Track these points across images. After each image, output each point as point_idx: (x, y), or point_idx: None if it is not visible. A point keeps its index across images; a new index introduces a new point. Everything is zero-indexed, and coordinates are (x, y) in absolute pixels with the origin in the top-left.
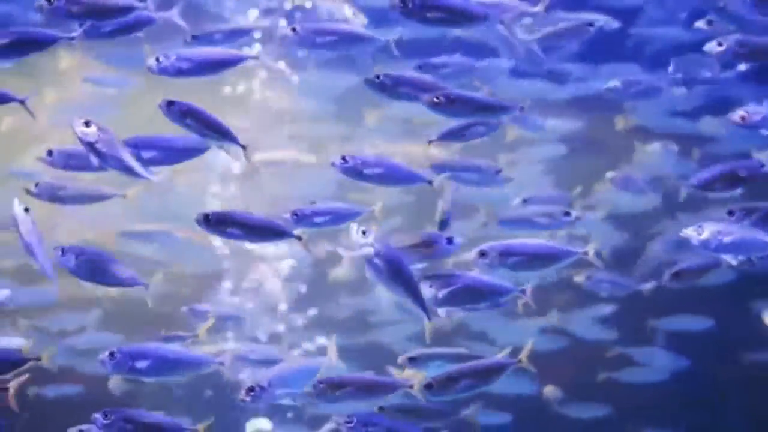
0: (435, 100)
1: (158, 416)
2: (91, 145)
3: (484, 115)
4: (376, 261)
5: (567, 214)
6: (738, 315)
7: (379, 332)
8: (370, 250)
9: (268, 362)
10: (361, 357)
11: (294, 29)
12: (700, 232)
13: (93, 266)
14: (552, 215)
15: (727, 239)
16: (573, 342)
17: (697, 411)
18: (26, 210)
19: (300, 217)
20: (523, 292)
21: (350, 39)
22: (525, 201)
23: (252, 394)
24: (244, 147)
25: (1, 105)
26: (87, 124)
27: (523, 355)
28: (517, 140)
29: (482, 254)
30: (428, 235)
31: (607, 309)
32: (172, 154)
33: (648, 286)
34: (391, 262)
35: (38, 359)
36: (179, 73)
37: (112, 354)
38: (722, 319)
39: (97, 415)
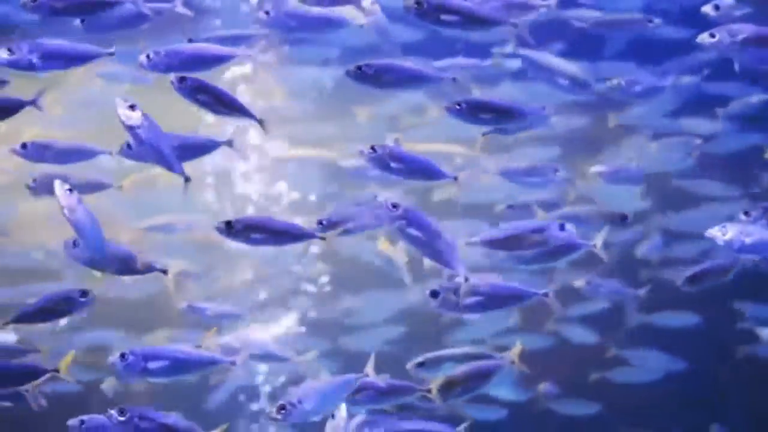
0: (456, 106)
1: (173, 417)
2: (132, 130)
3: (506, 121)
4: (410, 230)
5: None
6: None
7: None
8: (403, 221)
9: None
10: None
11: (267, 13)
12: (724, 232)
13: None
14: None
15: (749, 240)
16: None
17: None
18: (132, 107)
19: (326, 226)
20: (546, 295)
21: (323, 22)
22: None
23: (283, 412)
24: (260, 121)
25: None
26: (132, 107)
27: (515, 355)
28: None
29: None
30: (540, 223)
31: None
32: (185, 151)
33: (641, 292)
34: (424, 228)
35: (57, 371)
36: (170, 69)
37: (123, 356)
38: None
39: (113, 412)
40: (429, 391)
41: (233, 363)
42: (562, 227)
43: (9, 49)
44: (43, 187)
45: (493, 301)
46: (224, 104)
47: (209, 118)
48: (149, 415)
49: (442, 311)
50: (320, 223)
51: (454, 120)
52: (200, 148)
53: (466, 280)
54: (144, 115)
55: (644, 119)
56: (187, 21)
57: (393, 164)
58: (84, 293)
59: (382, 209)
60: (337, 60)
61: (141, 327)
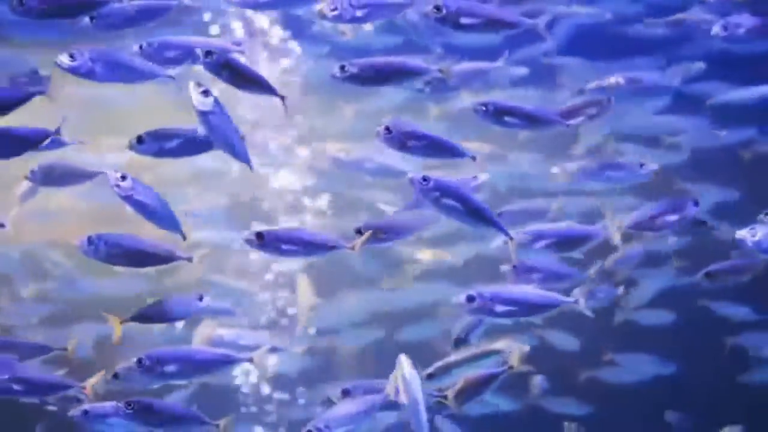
0: (483, 108)
1: (181, 407)
2: (204, 115)
3: (530, 126)
4: (445, 200)
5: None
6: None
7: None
8: (436, 193)
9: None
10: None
11: None
12: (753, 233)
13: (125, 251)
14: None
15: None
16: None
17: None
18: (205, 92)
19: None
20: (576, 302)
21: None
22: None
23: None
24: (282, 98)
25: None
26: (205, 93)
27: (515, 361)
28: None
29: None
30: (673, 201)
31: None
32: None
33: (620, 291)
34: (459, 196)
35: (83, 388)
36: (161, 61)
37: (140, 361)
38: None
39: (121, 405)
40: (445, 397)
41: (250, 360)
42: (696, 203)
43: (71, 55)
44: (42, 178)
45: (525, 308)
46: (249, 80)
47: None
48: (157, 406)
49: (477, 316)
50: (358, 231)
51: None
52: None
53: (511, 239)
54: (216, 101)
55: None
56: (177, 14)
57: (410, 142)
58: (201, 297)
59: (414, 186)
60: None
61: None
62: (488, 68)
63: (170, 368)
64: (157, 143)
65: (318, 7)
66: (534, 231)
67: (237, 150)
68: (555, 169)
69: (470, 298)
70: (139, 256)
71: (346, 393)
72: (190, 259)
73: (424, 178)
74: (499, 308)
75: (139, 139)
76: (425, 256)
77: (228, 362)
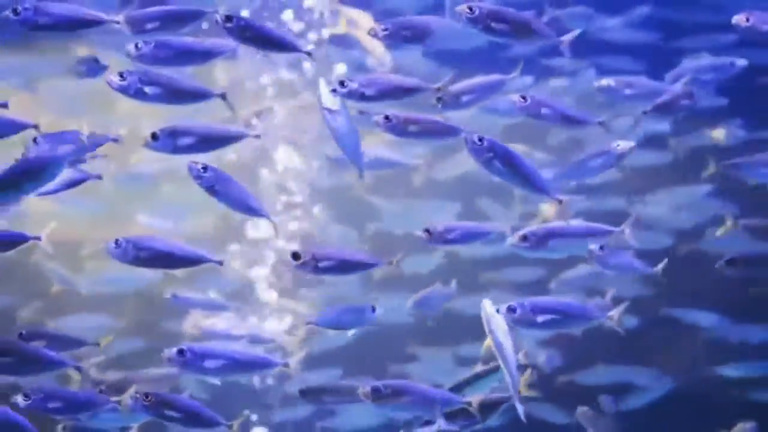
0: (522, 100)
1: (196, 404)
2: (332, 114)
3: (565, 125)
4: (496, 163)
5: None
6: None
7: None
8: (490, 154)
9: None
10: None
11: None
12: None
13: (154, 253)
14: None
15: None
16: None
17: None
18: (335, 90)
19: (433, 235)
20: (611, 317)
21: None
22: None
23: None
24: (309, 54)
25: None
26: (334, 91)
27: (522, 386)
28: None
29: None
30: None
31: None
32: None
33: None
34: (511, 159)
35: (119, 402)
36: (158, 61)
37: (181, 352)
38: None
39: (138, 395)
40: (469, 403)
41: (286, 365)
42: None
43: (120, 75)
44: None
45: (562, 320)
46: (272, 40)
47: None
48: (173, 401)
49: (517, 327)
50: (427, 231)
51: None
52: (229, 138)
53: (560, 202)
54: (343, 102)
55: None
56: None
57: (410, 127)
58: (374, 308)
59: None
60: None
61: None
62: (504, 81)
63: (210, 364)
64: (171, 140)
65: (373, 26)
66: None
67: (354, 153)
68: None
69: (511, 309)
70: (168, 259)
71: None
72: (220, 263)
73: (480, 138)
74: (540, 319)
75: (154, 136)
76: None
77: (267, 365)
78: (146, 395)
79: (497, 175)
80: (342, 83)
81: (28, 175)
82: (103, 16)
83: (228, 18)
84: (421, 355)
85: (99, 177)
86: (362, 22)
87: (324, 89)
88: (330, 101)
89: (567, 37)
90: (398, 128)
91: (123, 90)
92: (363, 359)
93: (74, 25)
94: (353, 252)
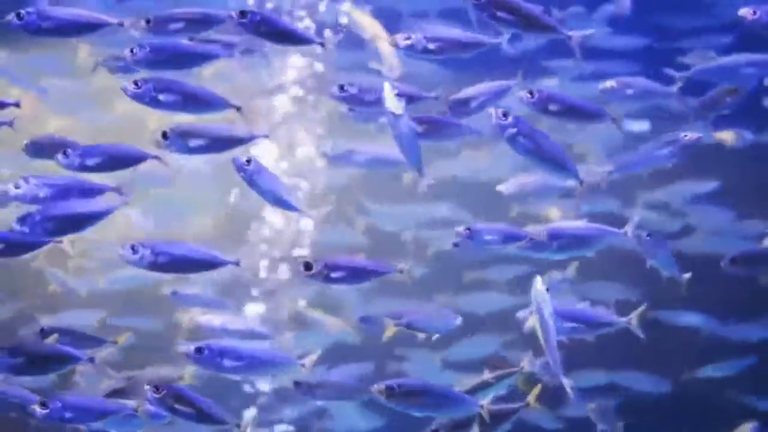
0: (529, 95)
1: (207, 400)
2: (396, 119)
3: (576, 120)
4: (521, 139)
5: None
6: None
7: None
8: (514, 129)
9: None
10: None
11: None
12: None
13: (171, 258)
14: None
15: None
16: None
17: None
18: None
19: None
20: (629, 322)
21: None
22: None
23: None
24: (322, 44)
25: None
26: (399, 96)
27: (531, 399)
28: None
29: None
30: None
31: None
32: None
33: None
34: (535, 136)
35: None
36: (153, 65)
37: (199, 349)
38: None
39: (148, 389)
40: (482, 406)
41: (303, 365)
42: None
43: (135, 83)
44: (37, 150)
45: (584, 328)
46: (285, 34)
47: None
48: (184, 394)
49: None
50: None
51: None
52: (236, 141)
53: (582, 183)
54: (405, 106)
55: None
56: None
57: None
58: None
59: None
60: None
61: None
62: (509, 87)
63: (229, 362)
64: (181, 140)
65: (393, 37)
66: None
67: (414, 156)
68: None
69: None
70: (185, 264)
71: None
72: (237, 264)
73: (504, 114)
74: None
75: (164, 135)
76: None
77: (286, 364)
78: (157, 388)
79: (522, 153)
80: (341, 87)
81: None
82: (107, 18)
83: (242, 13)
84: (409, 356)
85: None
86: (366, 21)
87: (389, 93)
88: (394, 105)
89: (577, 34)
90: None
91: (137, 97)
92: (350, 360)
93: (78, 29)
94: (364, 260)
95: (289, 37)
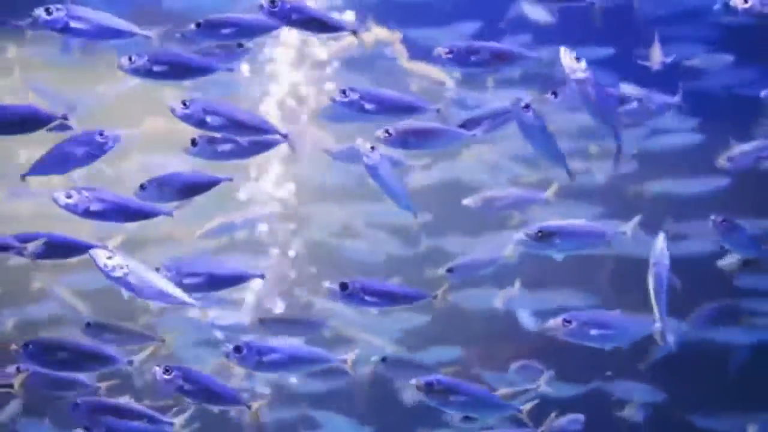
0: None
1: (217, 381)
2: (580, 84)
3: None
4: (527, 120)
5: None
6: None
7: None
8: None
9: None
10: None
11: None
12: None
13: (199, 276)
14: None
15: None
16: None
17: None
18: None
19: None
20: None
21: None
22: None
23: None
24: (355, 32)
25: None
26: (578, 59)
27: (525, 411)
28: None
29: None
30: None
31: None
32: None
33: None
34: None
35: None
36: (150, 74)
37: (238, 348)
38: None
39: (158, 369)
40: (521, 411)
41: (344, 361)
42: None
43: (183, 103)
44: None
45: (613, 335)
46: (318, 22)
47: None
48: (194, 376)
49: (570, 339)
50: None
51: None
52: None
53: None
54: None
55: None
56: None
57: (367, 105)
58: None
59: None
60: None
61: None
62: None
63: (268, 359)
64: (210, 146)
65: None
66: None
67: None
68: None
69: (566, 321)
70: (212, 281)
71: None
72: (262, 276)
73: (519, 100)
74: (594, 332)
75: (193, 142)
76: None
77: (324, 362)
78: (166, 369)
79: (525, 135)
80: (344, 92)
81: None
82: (135, 28)
83: (273, 2)
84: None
85: None
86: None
87: (566, 56)
88: (575, 70)
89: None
90: (356, 105)
91: (186, 118)
92: None
93: (104, 35)
94: (398, 286)
95: (321, 25)
